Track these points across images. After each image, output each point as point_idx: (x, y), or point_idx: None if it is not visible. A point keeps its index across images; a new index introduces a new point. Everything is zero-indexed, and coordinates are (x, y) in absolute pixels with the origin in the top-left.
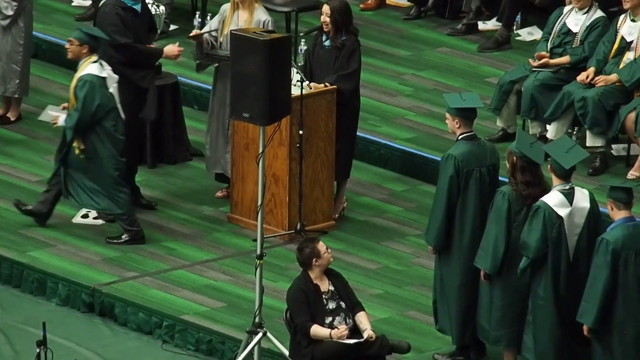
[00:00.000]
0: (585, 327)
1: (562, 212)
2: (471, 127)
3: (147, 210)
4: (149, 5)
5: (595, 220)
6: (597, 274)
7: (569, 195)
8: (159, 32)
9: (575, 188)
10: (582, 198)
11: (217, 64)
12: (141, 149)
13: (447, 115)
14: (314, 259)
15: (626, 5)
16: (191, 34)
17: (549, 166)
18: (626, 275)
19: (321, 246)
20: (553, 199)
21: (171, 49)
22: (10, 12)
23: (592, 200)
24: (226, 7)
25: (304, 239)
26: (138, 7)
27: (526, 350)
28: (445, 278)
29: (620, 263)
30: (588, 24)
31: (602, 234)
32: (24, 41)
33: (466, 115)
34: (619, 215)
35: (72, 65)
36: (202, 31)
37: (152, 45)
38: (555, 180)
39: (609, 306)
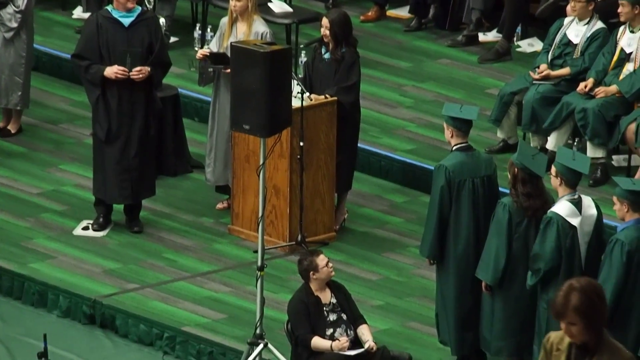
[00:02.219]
0: None
1: (574, 221)
2: (465, 139)
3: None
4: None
5: (601, 226)
6: (610, 274)
7: (578, 204)
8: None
9: (581, 196)
10: (589, 205)
11: (210, 69)
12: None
13: (444, 124)
14: (311, 272)
15: (622, 18)
16: (200, 57)
17: (552, 177)
18: (637, 276)
19: (321, 260)
20: (564, 209)
21: (110, 70)
22: (14, 25)
23: (597, 207)
24: (225, 21)
25: (306, 250)
26: (126, 21)
27: None
28: (443, 289)
29: (634, 264)
30: (588, 35)
31: (614, 235)
32: (26, 53)
33: (459, 125)
34: (631, 216)
35: (73, 78)
36: (207, 51)
37: (139, 69)
38: (563, 190)
39: (617, 306)
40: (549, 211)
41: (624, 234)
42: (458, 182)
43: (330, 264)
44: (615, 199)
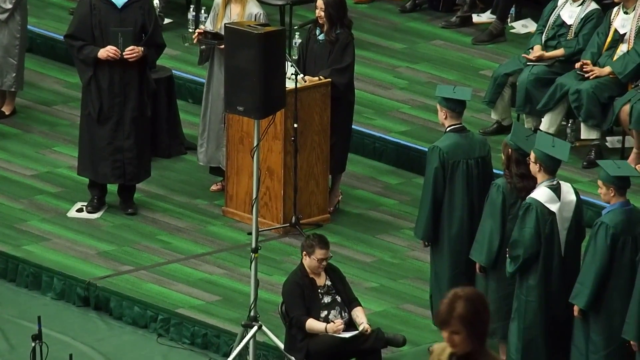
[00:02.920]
0: (576, 308)
1: (553, 207)
2: (459, 120)
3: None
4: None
5: (581, 212)
6: (595, 256)
7: (557, 190)
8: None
9: (560, 182)
10: (568, 192)
11: (203, 46)
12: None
13: (438, 105)
14: (304, 252)
15: None
16: (196, 37)
17: (532, 163)
18: (622, 260)
19: (320, 252)
20: (543, 195)
21: (103, 51)
22: (9, 6)
23: (576, 193)
24: (218, 2)
25: (322, 237)
26: (119, 2)
27: (511, 350)
28: (437, 270)
29: (618, 247)
30: (582, 16)
31: (599, 218)
32: (20, 35)
33: (452, 107)
34: (616, 199)
35: (67, 60)
36: (204, 28)
37: (132, 48)
38: (542, 177)
39: (602, 289)
40: (527, 197)
41: (608, 217)
42: (452, 164)
43: (324, 263)
44: (600, 183)
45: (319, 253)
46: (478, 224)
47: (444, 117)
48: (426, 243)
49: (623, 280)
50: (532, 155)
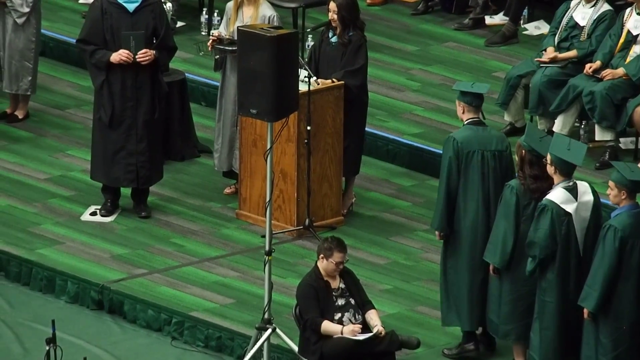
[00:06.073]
0: (585, 311)
1: (570, 208)
2: (477, 115)
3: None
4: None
5: (598, 211)
6: (603, 260)
7: (573, 191)
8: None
9: (577, 182)
10: (585, 192)
11: (218, 56)
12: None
13: (456, 101)
14: (321, 255)
15: None
16: (210, 44)
17: (548, 165)
18: (630, 263)
19: (337, 256)
20: (559, 196)
21: (116, 55)
22: (26, 10)
23: (594, 192)
24: (230, 5)
25: (340, 240)
26: (130, 6)
27: (532, 349)
28: (450, 262)
29: (627, 250)
30: (595, 18)
31: (607, 221)
32: (35, 38)
33: (469, 100)
34: (626, 202)
35: (80, 63)
36: (217, 33)
37: (144, 52)
38: (557, 178)
39: (611, 292)
40: (544, 199)
41: (617, 220)
42: (467, 154)
43: (341, 266)
44: (612, 184)
45: (337, 257)
46: (493, 216)
47: (462, 111)
48: (441, 235)
49: (631, 283)
50: (548, 157)
